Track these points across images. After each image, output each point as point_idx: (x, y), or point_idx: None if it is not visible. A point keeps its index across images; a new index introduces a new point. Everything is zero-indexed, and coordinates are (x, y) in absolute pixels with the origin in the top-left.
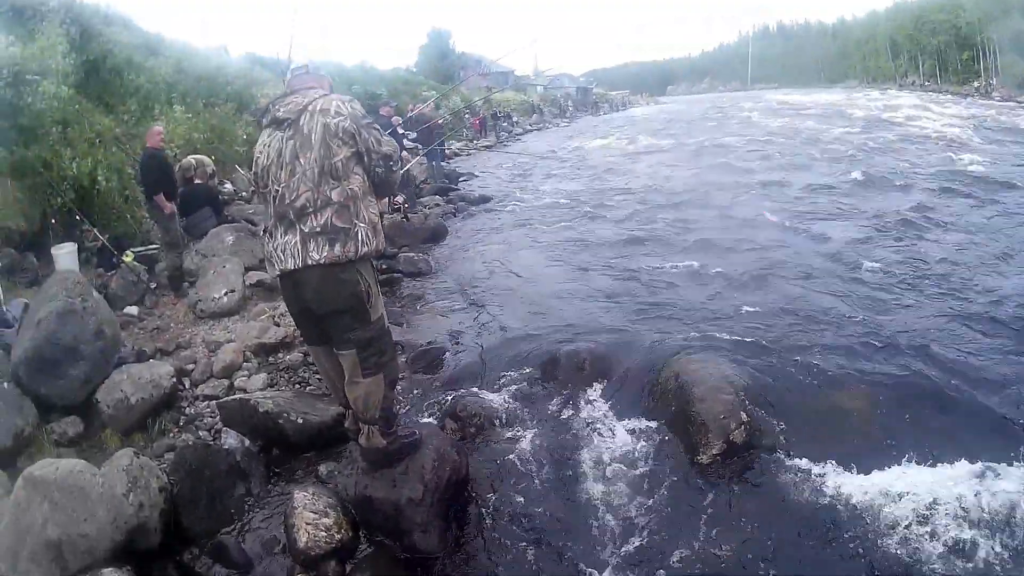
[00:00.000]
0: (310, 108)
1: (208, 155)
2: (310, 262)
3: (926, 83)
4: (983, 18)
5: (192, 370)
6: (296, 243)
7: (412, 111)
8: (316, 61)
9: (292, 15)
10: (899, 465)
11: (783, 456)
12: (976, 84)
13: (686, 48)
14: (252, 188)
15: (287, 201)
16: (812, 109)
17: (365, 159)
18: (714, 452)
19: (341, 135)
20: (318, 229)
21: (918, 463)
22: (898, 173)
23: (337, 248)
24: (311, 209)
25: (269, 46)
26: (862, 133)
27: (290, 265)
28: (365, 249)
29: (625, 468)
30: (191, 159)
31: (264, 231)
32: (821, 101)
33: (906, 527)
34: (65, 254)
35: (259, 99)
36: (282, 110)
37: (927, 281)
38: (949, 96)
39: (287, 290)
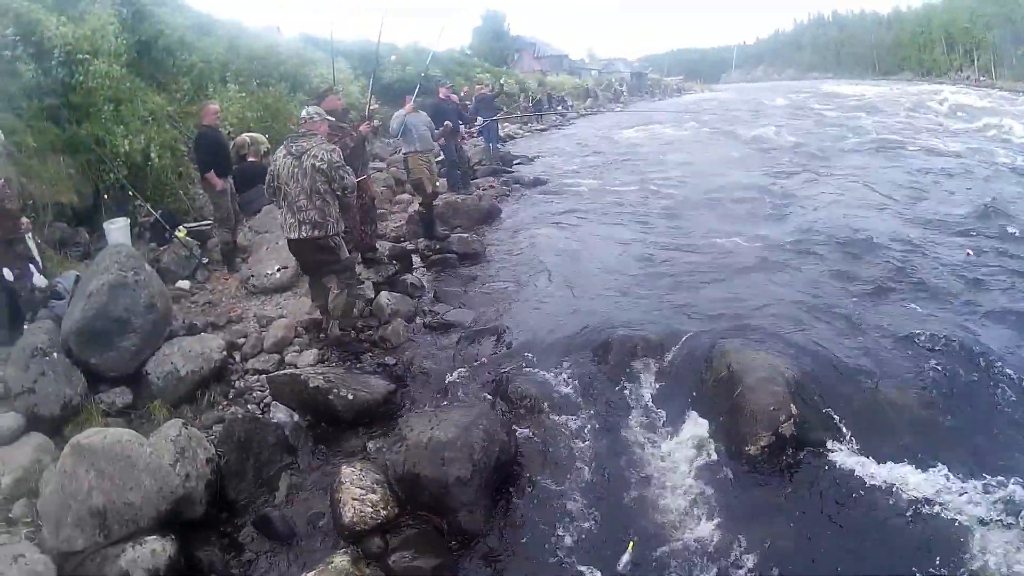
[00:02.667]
0: (308, 152)
1: (262, 133)
2: (303, 236)
3: (981, 78)
4: None
5: (243, 344)
6: (296, 224)
7: (473, 93)
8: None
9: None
10: (948, 464)
11: (831, 450)
12: None
13: (741, 35)
14: (268, 179)
15: (293, 201)
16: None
17: (334, 185)
18: (763, 444)
19: (320, 172)
20: (308, 220)
21: (966, 463)
22: (956, 171)
23: (316, 231)
24: (305, 208)
25: (322, 26)
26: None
27: (294, 235)
28: (332, 231)
29: (673, 456)
30: (245, 137)
31: (279, 209)
32: (869, 93)
33: (952, 526)
34: (117, 228)
35: (312, 79)
36: (294, 148)
37: (984, 277)
38: (1001, 92)
39: (292, 247)
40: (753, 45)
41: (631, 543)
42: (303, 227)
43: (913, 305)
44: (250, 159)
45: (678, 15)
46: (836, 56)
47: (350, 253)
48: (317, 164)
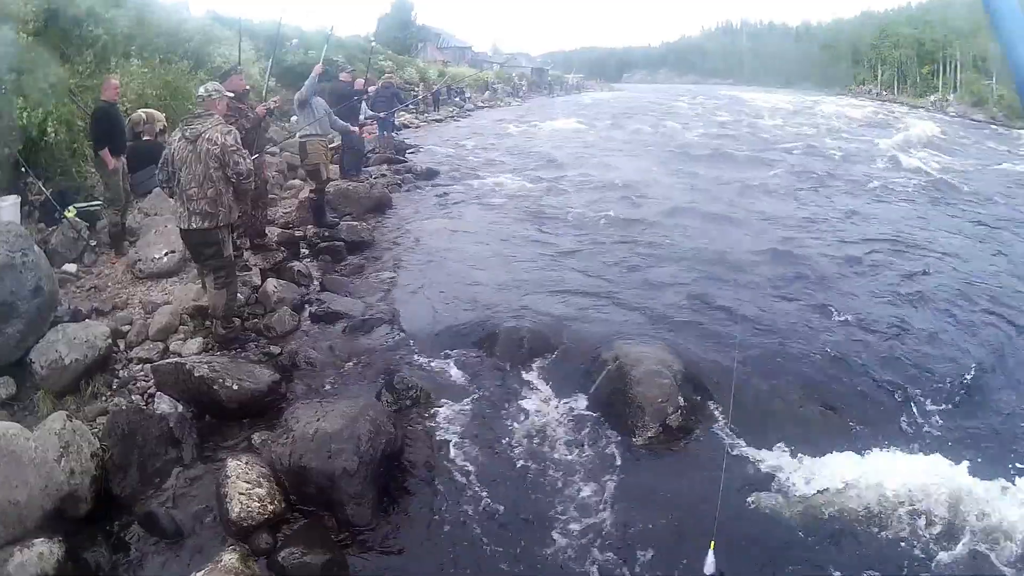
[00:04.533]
0: (203, 136)
1: (160, 111)
2: (193, 227)
3: (883, 92)
4: (949, 35)
5: (128, 332)
6: (186, 214)
7: (377, 83)
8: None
9: None
10: (831, 452)
11: (718, 441)
12: (932, 98)
13: (647, 38)
14: (162, 161)
15: (184, 188)
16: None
17: (227, 171)
18: (650, 435)
19: (214, 158)
20: (198, 210)
21: (849, 450)
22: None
23: (207, 221)
24: (195, 198)
25: (230, 5)
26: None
27: (184, 226)
28: (223, 222)
29: (560, 447)
30: (141, 113)
31: (170, 190)
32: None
33: (832, 512)
34: (8, 206)
35: (215, 58)
36: (189, 131)
37: (859, 268)
38: (900, 107)
39: (183, 237)
40: (658, 48)
41: (711, 543)
42: (193, 217)
43: (798, 299)
44: (145, 138)
45: (586, 14)
46: (740, 64)
47: (240, 239)
48: (211, 149)
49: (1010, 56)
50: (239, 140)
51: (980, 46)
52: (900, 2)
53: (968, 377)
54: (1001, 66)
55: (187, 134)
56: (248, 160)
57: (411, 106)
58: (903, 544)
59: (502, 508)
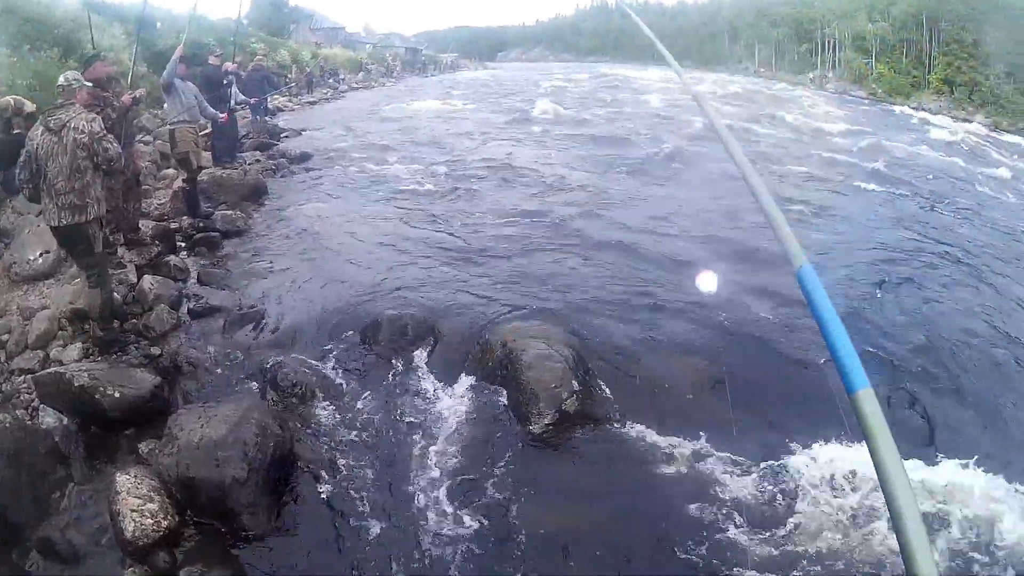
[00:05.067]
0: (68, 125)
1: (31, 103)
2: (63, 223)
3: (760, 70)
4: (827, 15)
5: (7, 341)
6: (55, 210)
7: (248, 67)
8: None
9: None
10: (723, 433)
11: (616, 425)
12: (811, 75)
13: (521, 17)
14: (23, 160)
15: (51, 183)
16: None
17: (97, 159)
18: (546, 422)
19: (82, 147)
20: (67, 204)
21: (742, 432)
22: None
23: (76, 216)
24: (63, 191)
25: None
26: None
27: (54, 223)
28: (93, 215)
29: (454, 438)
30: (9, 99)
31: (34, 187)
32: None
33: (728, 492)
34: None
35: (86, 45)
36: (52, 122)
37: (742, 249)
38: (779, 84)
39: (54, 233)
40: (533, 27)
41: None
42: (63, 212)
43: (686, 280)
44: (15, 131)
45: None
46: (615, 42)
47: (112, 235)
48: (79, 138)
49: (823, 331)
50: (103, 126)
51: (858, 26)
52: None
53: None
54: (881, 46)
55: (51, 125)
56: (116, 145)
57: (284, 90)
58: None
59: (398, 505)
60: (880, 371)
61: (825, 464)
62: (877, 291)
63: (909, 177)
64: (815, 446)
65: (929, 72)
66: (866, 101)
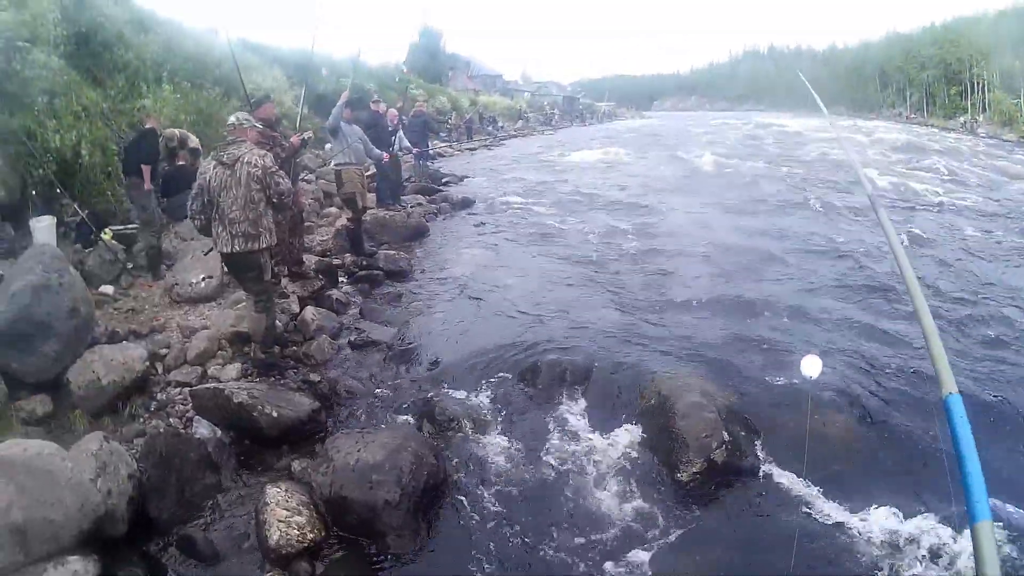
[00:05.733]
0: (242, 160)
1: (194, 136)
2: (236, 250)
3: (912, 115)
4: (974, 54)
5: (166, 355)
6: (228, 237)
7: (410, 112)
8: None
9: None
10: (880, 493)
11: (764, 477)
12: (962, 119)
13: (675, 65)
14: (195, 192)
15: (225, 213)
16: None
17: (269, 192)
18: (694, 471)
19: (256, 180)
20: (240, 232)
21: (896, 492)
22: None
23: (249, 244)
24: (238, 220)
25: (261, 32)
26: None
27: (227, 249)
28: (265, 244)
29: (603, 483)
30: (174, 131)
31: (206, 220)
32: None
33: (885, 555)
34: (44, 227)
35: (247, 85)
36: (225, 157)
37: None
38: (930, 129)
39: (226, 261)
40: (687, 75)
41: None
42: (236, 240)
43: (841, 332)
44: (179, 162)
45: (613, 42)
46: (769, 89)
47: (277, 267)
48: (252, 171)
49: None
50: (275, 162)
51: (1005, 64)
52: (924, 22)
53: None
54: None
55: (223, 159)
56: (287, 180)
57: (443, 135)
58: None
59: (544, 544)
60: None
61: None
62: None
63: None
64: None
65: None
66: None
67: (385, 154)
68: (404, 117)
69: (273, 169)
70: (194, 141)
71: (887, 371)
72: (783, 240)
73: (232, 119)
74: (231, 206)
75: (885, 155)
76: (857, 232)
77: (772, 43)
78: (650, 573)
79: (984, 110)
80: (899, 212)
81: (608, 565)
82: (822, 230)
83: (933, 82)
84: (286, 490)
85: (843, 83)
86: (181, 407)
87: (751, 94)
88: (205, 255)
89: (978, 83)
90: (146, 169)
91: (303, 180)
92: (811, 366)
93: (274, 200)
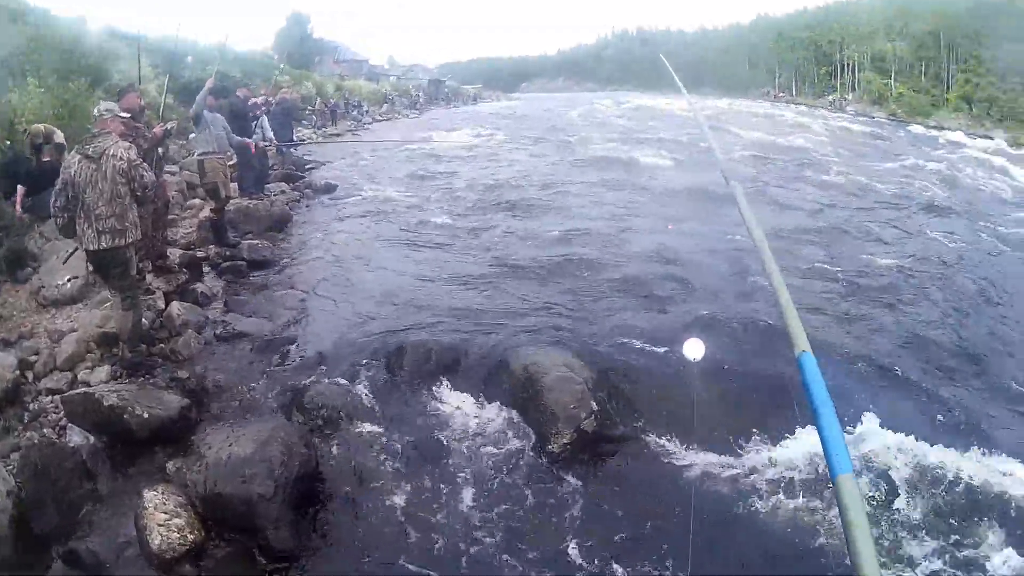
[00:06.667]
0: (107, 153)
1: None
2: (102, 246)
3: (780, 95)
4: (846, 37)
5: (35, 362)
6: (94, 234)
7: (275, 97)
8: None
9: None
10: (743, 448)
11: (634, 444)
12: (831, 98)
13: (543, 47)
14: (59, 187)
15: (90, 208)
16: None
17: (133, 185)
18: (565, 441)
19: (121, 173)
20: (107, 228)
21: (762, 444)
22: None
23: (116, 239)
24: (104, 216)
25: (130, 20)
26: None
27: (92, 246)
28: (131, 239)
29: (476, 460)
30: (40, 127)
31: (68, 218)
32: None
33: (752, 507)
34: None
35: (114, 75)
36: (90, 150)
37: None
38: (797, 107)
39: (92, 259)
40: (555, 56)
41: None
42: (102, 236)
43: (702, 299)
44: (45, 159)
45: (482, 25)
46: (637, 71)
47: (142, 262)
48: (118, 164)
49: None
50: (139, 154)
51: (877, 46)
52: (797, 6)
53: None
54: (899, 65)
55: (89, 152)
56: (151, 173)
57: (304, 122)
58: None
59: (421, 527)
60: None
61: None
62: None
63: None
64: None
65: (948, 90)
66: (887, 121)
67: (249, 141)
68: (271, 100)
69: (138, 162)
70: (59, 136)
71: (752, 333)
72: (643, 216)
73: (96, 111)
74: (96, 201)
75: (746, 131)
76: (716, 204)
77: (641, 25)
78: (527, 546)
79: (853, 89)
80: (754, 181)
81: (486, 541)
82: (683, 200)
83: (803, 63)
84: (163, 492)
85: (712, 65)
86: (54, 415)
87: (619, 76)
88: (70, 255)
89: (848, 65)
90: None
91: (167, 172)
92: (693, 349)
93: (138, 194)
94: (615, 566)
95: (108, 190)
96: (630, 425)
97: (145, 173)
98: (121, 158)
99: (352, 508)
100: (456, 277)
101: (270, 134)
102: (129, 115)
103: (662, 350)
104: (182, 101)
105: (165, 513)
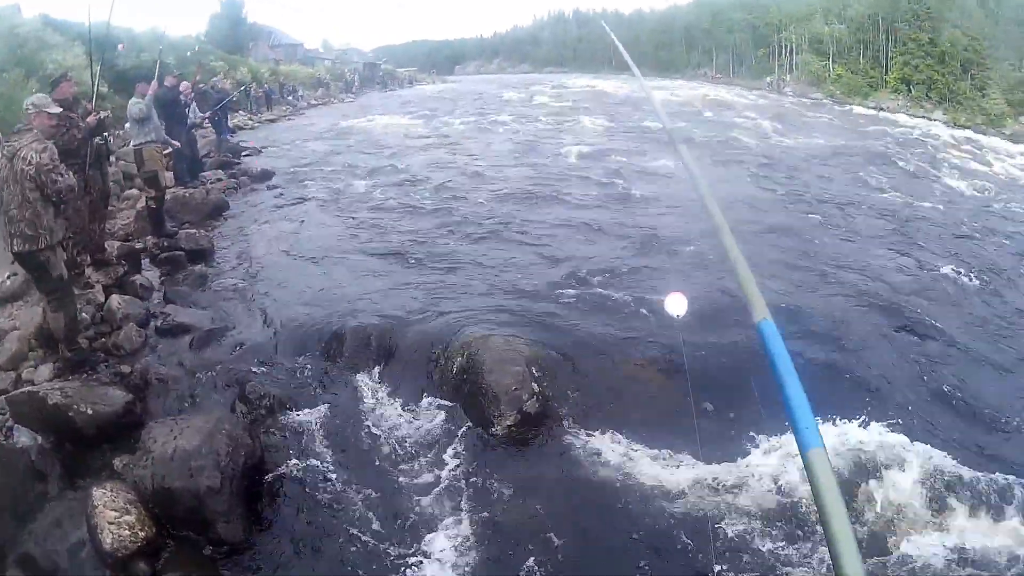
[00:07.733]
0: (18, 154)
1: None
2: (16, 250)
3: (717, 76)
4: (784, 19)
5: None
6: (8, 236)
7: (206, 86)
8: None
9: None
10: (683, 434)
11: (577, 425)
12: (769, 79)
13: (479, 29)
14: None
15: (6, 209)
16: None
17: (46, 191)
18: (508, 423)
19: (29, 179)
20: (19, 232)
21: (702, 431)
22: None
23: (28, 244)
24: (16, 219)
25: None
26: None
27: (12, 249)
28: (44, 244)
29: (419, 444)
30: None
31: None
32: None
33: (688, 493)
34: None
35: (48, 65)
36: (7, 148)
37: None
38: (735, 88)
39: (14, 258)
40: (491, 39)
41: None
42: (15, 240)
43: (648, 284)
44: None
45: (417, 7)
46: (573, 52)
47: (80, 256)
48: (24, 168)
49: (781, 389)
50: (55, 157)
51: (815, 29)
52: None
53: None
54: (838, 48)
55: (5, 151)
56: (68, 176)
57: (228, 103)
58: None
59: (367, 514)
60: None
61: (777, 464)
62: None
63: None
64: (770, 442)
65: (887, 72)
66: (825, 102)
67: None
68: (203, 85)
69: (48, 167)
70: None
71: (712, 304)
72: (587, 188)
73: (25, 103)
74: (10, 203)
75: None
76: (664, 177)
77: (577, 7)
78: (468, 525)
79: (791, 71)
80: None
81: (432, 524)
82: (625, 173)
83: (741, 44)
84: (111, 490)
85: (648, 46)
86: (0, 417)
87: (555, 58)
88: (5, 251)
89: (786, 47)
90: None
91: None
92: (676, 304)
93: (53, 199)
94: (558, 541)
95: (19, 193)
96: (576, 405)
97: (59, 178)
98: (30, 162)
99: (299, 498)
100: (392, 261)
101: (200, 115)
102: (61, 108)
103: (606, 326)
104: (117, 89)
105: (115, 511)
